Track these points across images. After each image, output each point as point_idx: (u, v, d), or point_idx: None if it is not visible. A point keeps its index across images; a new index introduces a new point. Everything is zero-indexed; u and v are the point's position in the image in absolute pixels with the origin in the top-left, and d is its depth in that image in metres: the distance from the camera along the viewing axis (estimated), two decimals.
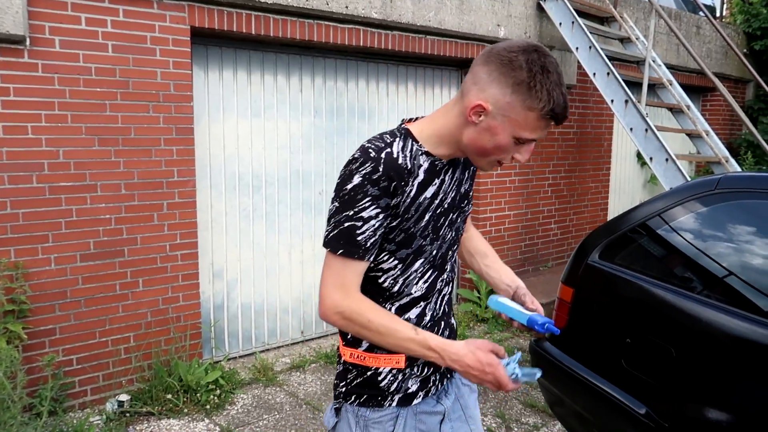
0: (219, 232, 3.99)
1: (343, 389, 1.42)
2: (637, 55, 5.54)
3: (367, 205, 1.26)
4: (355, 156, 1.28)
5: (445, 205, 1.39)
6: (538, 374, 1.29)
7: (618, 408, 2.08)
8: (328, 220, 1.31)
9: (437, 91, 5.08)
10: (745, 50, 7.93)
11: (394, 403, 1.39)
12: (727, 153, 5.09)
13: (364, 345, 1.39)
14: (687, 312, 1.94)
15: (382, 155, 1.27)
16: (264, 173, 4.15)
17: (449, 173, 1.39)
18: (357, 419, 1.39)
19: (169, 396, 3.41)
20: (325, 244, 1.30)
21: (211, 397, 3.49)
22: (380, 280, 1.36)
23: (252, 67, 4.03)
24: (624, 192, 6.81)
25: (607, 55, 4.81)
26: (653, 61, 5.42)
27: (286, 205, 4.28)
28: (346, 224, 1.26)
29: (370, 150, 1.27)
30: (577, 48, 4.94)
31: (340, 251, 1.27)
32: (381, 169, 1.25)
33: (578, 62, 5.24)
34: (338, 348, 1.47)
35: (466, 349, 1.27)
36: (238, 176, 4.03)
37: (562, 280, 2.42)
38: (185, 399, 3.44)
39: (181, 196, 3.65)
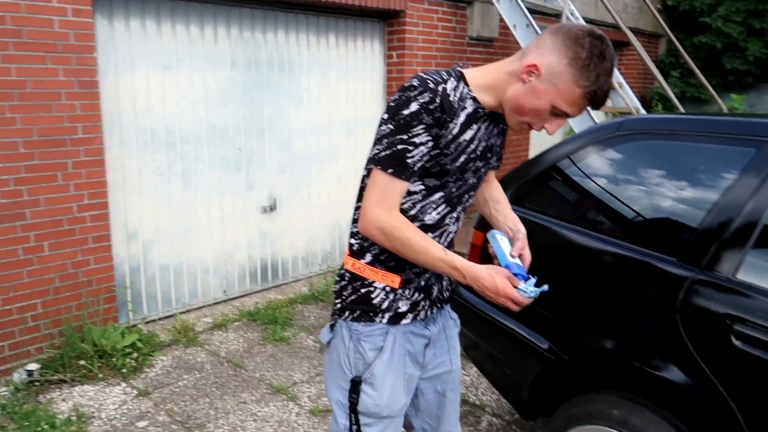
0: (132, 192, 3.80)
1: (339, 306, 1.52)
2: (556, 8, 5.61)
3: (420, 131, 1.35)
4: (414, 84, 1.35)
5: (478, 152, 1.48)
6: (546, 288, 1.42)
7: (524, 345, 2.16)
8: (380, 140, 1.38)
9: (359, 44, 4.98)
10: (658, 6, 8.20)
11: (385, 320, 1.49)
12: (638, 104, 5.29)
13: (368, 257, 1.49)
14: (588, 250, 2.01)
15: (440, 88, 1.35)
16: (179, 129, 3.97)
17: (486, 123, 1.47)
18: (350, 333, 1.49)
19: (83, 362, 3.28)
20: (376, 162, 1.38)
21: (128, 360, 3.39)
22: (402, 201, 1.44)
23: (161, 16, 3.80)
24: (545, 144, 6.96)
25: (527, 7, 4.84)
26: (571, 14, 5.51)
27: (203, 162, 4.12)
28: (400, 146, 1.35)
29: (429, 81, 1.35)
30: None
31: (390, 170, 1.36)
32: (438, 101, 1.34)
33: (500, 15, 5.25)
34: (339, 268, 1.57)
35: (485, 272, 1.39)
36: (150, 132, 3.84)
37: (474, 226, 2.45)
38: (100, 364, 3.33)
39: (87, 153, 3.44)
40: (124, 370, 3.34)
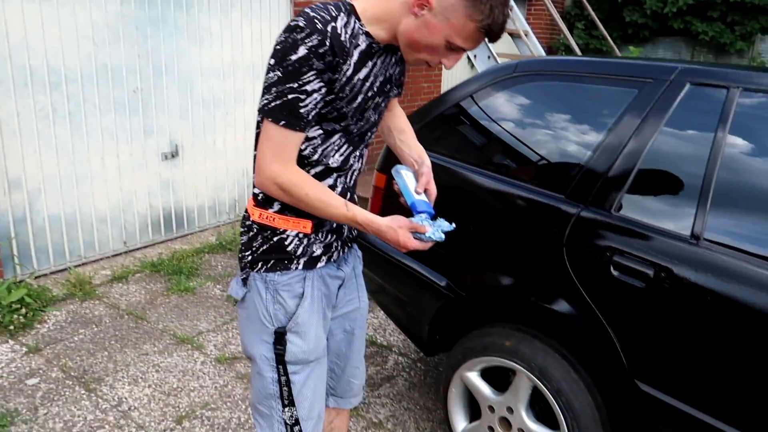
0: (11, 136, 3.48)
1: (249, 258, 1.45)
2: None
3: (311, 78, 1.26)
4: (300, 24, 1.24)
5: (375, 89, 1.42)
6: (446, 225, 1.43)
7: (424, 284, 2.21)
8: (268, 88, 1.29)
9: None
10: None
11: (300, 266, 1.45)
12: (544, 53, 5.42)
13: (276, 206, 1.42)
14: (483, 189, 2.05)
15: (329, 28, 1.26)
16: (63, 68, 3.64)
17: (381, 57, 1.41)
18: (266, 285, 1.44)
19: None
20: (267, 114, 1.30)
21: (16, 317, 3.17)
22: (301, 147, 1.38)
23: None
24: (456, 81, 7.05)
25: None
26: None
27: (94, 105, 3.83)
28: (290, 96, 1.27)
29: (317, 21, 1.25)
30: None
31: (283, 122, 1.29)
32: (328, 44, 1.25)
33: None
34: (243, 218, 1.48)
35: (386, 227, 1.38)
36: (29, 71, 3.49)
37: (376, 168, 2.44)
38: None
39: None
40: (11, 327, 3.13)
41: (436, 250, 1.84)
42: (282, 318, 1.45)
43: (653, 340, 1.64)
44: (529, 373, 1.89)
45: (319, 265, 1.49)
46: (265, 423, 1.55)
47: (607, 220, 1.75)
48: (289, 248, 1.44)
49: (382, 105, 1.50)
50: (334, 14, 1.29)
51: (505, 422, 2.02)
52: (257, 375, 1.51)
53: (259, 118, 1.36)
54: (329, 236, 1.51)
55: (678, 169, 1.71)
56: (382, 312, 3.43)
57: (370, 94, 1.41)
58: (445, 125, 2.29)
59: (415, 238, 1.41)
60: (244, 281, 1.48)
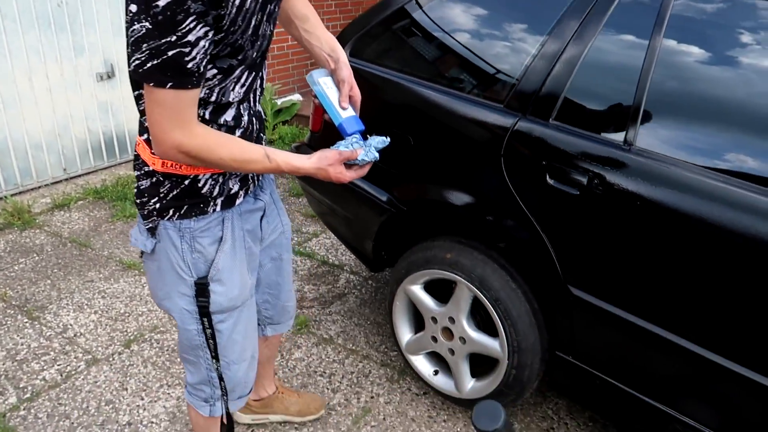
0: None
1: (157, 205, 1.29)
2: None
3: (192, 25, 1.01)
4: None
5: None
6: (378, 140, 1.36)
7: (367, 201, 2.18)
8: (136, 44, 1.02)
9: None
10: None
11: (218, 207, 1.32)
12: None
13: None
14: (426, 100, 1.99)
15: None
16: None
17: None
18: (181, 233, 1.30)
19: None
20: (146, 77, 1.05)
21: None
22: None
23: None
24: None
25: None
26: None
27: (13, 20, 3.54)
28: (170, 53, 1.02)
29: None
30: None
31: (170, 84, 1.05)
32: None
33: None
34: (138, 162, 1.30)
35: (315, 169, 1.27)
36: None
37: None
38: None
39: None
40: None
41: (376, 165, 1.80)
42: (202, 267, 1.34)
43: (585, 246, 1.67)
44: (469, 284, 1.92)
45: (238, 201, 1.37)
46: (195, 370, 1.50)
47: (544, 129, 1.73)
48: (203, 190, 1.30)
49: (275, 10, 1.27)
50: None
51: (448, 332, 2.07)
52: (180, 327, 1.43)
53: (134, 82, 1.16)
54: None
55: (614, 75, 1.67)
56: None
57: (263, 8, 1.19)
58: (384, 33, 2.19)
59: (348, 165, 1.33)
60: (152, 231, 1.32)
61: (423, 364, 2.23)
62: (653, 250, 1.55)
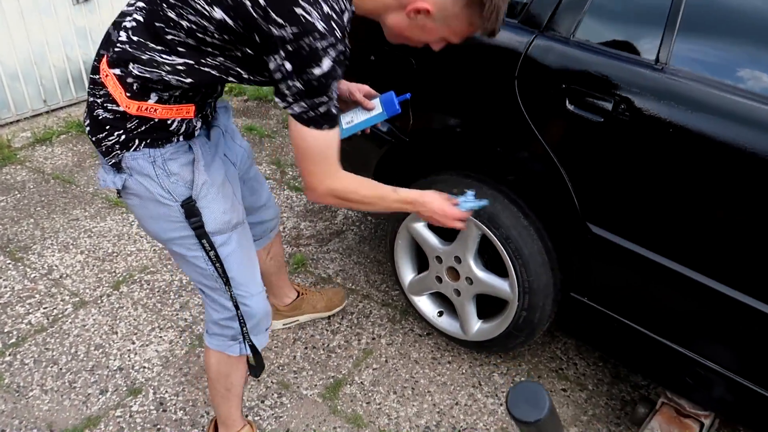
0: None
1: (122, 137, 1.24)
2: None
3: (335, 86, 1.14)
4: (319, 29, 1.06)
5: None
6: (485, 203, 1.53)
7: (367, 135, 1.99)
8: (286, 95, 1.13)
9: None
10: None
11: (181, 138, 1.31)
12: None
13: (154, 98, 1.21)
14: None
15: (345, 24, 1.13)
16: None
17: None
18: (153, 159, 1.26)
19: None
20: (305, 122, 1.16)
21: None
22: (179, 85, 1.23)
23: None
24: None
25: None
26: None
27: None
28: (322, 109, 1.15)
29: (336, 27, 1.08)
30: None
31: (326, 126, 1.17)
32: (347, 51, 1.12)
33: None
34: (101, 93, 1.24)
35: (438, 208, 1.45)
36: None
37: None
38: None
39: None
40: None
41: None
42: (183, 190, 1.30)
43: (608, 180, 1.51)
44: (477, 221, 1.77)
45: (197, 132, 1.35)
46: (217, 306, 1.48)
47: (564, 48, 1.53)
48: (172, 128, 1.28)
49: None
50: (343, 6, 1.13)
51: (453, 272, 1.94)
52: (183, 261, 1.40)
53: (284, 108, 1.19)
54: (207, 107, 1.38)
55: None
56: None
57: None
58: None
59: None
60: (118, 167, 1.28)
61: (426, 306, 2.12)
62: (686, 184, 1.39)
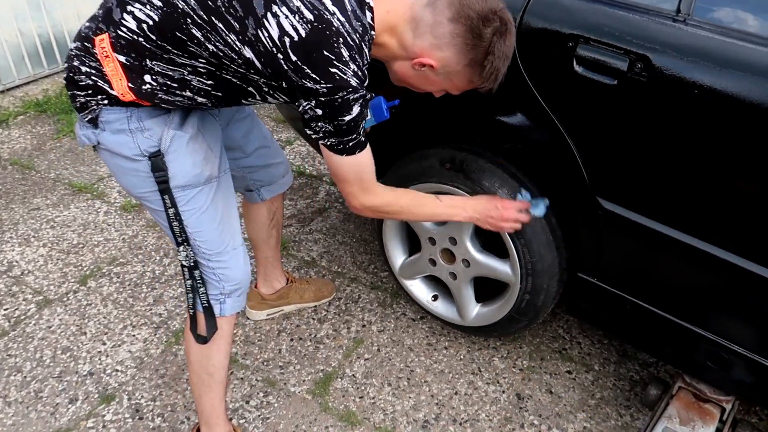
0: None
1: (102, 100, 1.19)
2: None
3: (363, 122, 1.21)
4: (353, 86, 1.11)
5: None
6: (547, 201, 1.50)
7: None
8: (320, 132, 1.18)
9: None
10: None
11: None
12: None
13: (159, 97, 1.20)
14: None
15: (366, 82, 1.17)
16: None
17: None
18: (128, 114, 1.21)
19: None
20: (336, 152, 1.22)
21: None
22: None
23: None
24: None
25: None
26: None
27: None
28: (351, 144, 1.21)
29: (364, 80, 1.15)
30: None
31: (359, 150, 1.23)
32: (367, 93, 1.18)
33: None
34: (86, 69, 1.18)
35: (490, 204, 1.47)
36: None
37: None
38: None
39: None
40: None
41: None
42: (153, 143, 1.25)
43: (622, 150, 1.34)
44: None
45: None
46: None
47: (569, 0, 1.34)
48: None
49: None
50: (365, 56, 1.16)
51: (448, 254, 1.79)
52: (156, 216, 1.37)
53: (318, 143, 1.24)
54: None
55: None
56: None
57: None
58: None
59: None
60: (92, 122, 1.23)
61: (420, 290, 1.97)
62: (712, 154, 1.23)
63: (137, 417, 1.75)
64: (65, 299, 2.15)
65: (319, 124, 1.15)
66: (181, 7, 1.09)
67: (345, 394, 1.83)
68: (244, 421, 1.75)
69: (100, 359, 1.93)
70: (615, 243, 1.46)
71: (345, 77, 1.09)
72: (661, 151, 1.28)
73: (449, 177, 1.64)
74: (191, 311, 1.41)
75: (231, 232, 1.40)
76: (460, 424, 1.75)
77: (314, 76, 1.07)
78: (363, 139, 1.22)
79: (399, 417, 1.77)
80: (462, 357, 1.95)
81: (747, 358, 1.36)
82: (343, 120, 1.14)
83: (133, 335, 2.01)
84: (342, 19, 1.08)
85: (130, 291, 2.19)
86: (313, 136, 1.20)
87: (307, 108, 1.13)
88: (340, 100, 1.10)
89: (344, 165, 1.24)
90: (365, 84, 1.15)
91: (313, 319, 2.09)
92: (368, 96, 1.18)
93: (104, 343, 1.98)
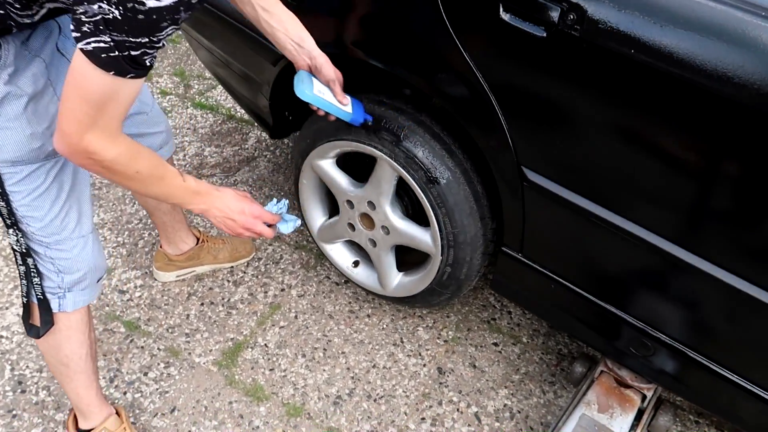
0: None
1: None
2: None
3: (170, 30, 0.83)
4: None
5: None
6: (299, 223, 1.35)
7: (262, 46, 1.57)
8: (94, 27, 0.79)
9: None
10: None
11: None
12: None
13: None
14: None
15: None
16: None
17: None
18: None
19: None
20: (94, 60, 0.82)
21: None
22: None
23: None
24: None
25: None
26: None
27: None
28: (135, 52, 0.82)
29: None
30: None
31: (130, 75, 0.86)
32: None
33: None
34: None
35: (237, 206, 1.18)
36: None
37: None
38: None
39: None
40: None
41: None
42: None
43: (550, 115, 1.17)
44: (392, 161, 1.43)
45: (13, 29, 0.98)
46: None
47: None
48: None
49: None
50: None
51: (368, 219, 1.62)
52: None
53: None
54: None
55: None
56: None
57: None
58: None
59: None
60: None
61: (341, 254, 1.81)
62: (651, 122, 1.07)
63: (19, 390, 1.59)
64: None
65: (94, 6, 0.77)
66: None
67: (254, 366, 1.69)
68: (140, 395, 1.61)
69: None
70: (540, 217, 1.31)
71: None
72: (592, 120, 1.11)
73: (367, 135, 1.45)
74: (24, 299, 1.19)
75: (77, 216, 1.17)
76: (375, 400, 1.64)
77: None
78: (149, 63, 0.86)
79: (310, 392, 1.64)
80: (385, 326, 1.82)
81: (671, 346, 1.25)
82: (143, 5, 0.76)
83: None
84: None
85: None
86: (75, 34, 0.81)
87: None
88: None
89: (97, 81, 0.84)
90: None
91: (228, 281, 1.93)
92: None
93: None
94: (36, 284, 1.17)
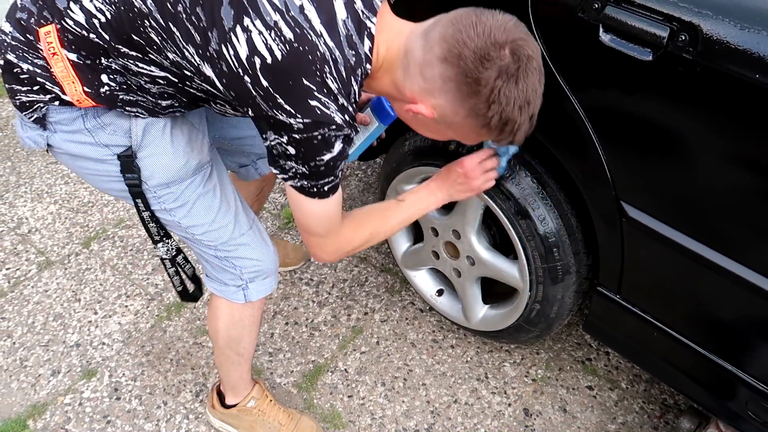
0: None
1: (48, 96, 1.00)
2: None
3: (344, 164, 1.01)
4: (338, 123, 0.90)
5: None
6: (514, 149, 1.27)
7: None
8: (292, 174, 0.98)
9: None
10: None
11: None
12: None
13: (121, 99, 1.01)
14: None
15: (356, 115, 0.97)
16: None
17: None
18: (83, 111, 1.02)
19: None
20: (305, 194, 1.02)
21: None
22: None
23: None
24: None
25: None
26: None
27: None
28: (327, 187, 1.01)
29: (348, 110, 0.92)
30: None
31: (330, 195, 1.03)
32: (353, 132, 0.96)
33: None
34: (30, 66, 0.99)
35: (450, 175, 1.24)
36: None
37: None
38: None
39: None
40: None
41: None
42: (120, 139, 1.06)
43: (655, 147, 1.05)
44: None
45: None
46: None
47: None
48: None
49: None
50: (355, 93, 0.93)
51: (453, 248, 1.55)
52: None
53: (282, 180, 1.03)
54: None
55: None
56: None
57: None
58: None
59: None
60: (39, 122, 1.03)
61: (424, 282, 1.76)
62: None
63: (115, 397, 1.67)
64: (66, 262, 2.08)
65: (290, 163, 0.95)
66: (138, 6, 0.89)
67: (333, 391, 1.67)
68: None
69: (89, 330, 1.85)
70: (642, 257, 1.18)
71: (328, 112, 0.89)
72: (705, 152, 0.98)
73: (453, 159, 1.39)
74: (179, 288, 1.33)
75: (233, 215, 1.22)
76: None
77: (288, 107, 0.87)
78: (338, 180, 1.02)
79: (387, 423, 1.59)
80: (469, 359, 1.74)
81: None
82: (321, 160, 0.94)
83: (126, 306, 1.92)
84: (331, 43, 0.87)
85: (130, 257, 2.10)
86: (280, 176, 0.99)
87: (275, 143, 0.93)
88: (319, 137, 0.90)
89: (314, 211, 1.05)
90: (352, 123, 0.94)
91: (313, 301, 1.93)
92: (353, 134, 0.96)
93: (96, 313, 1.91)
94: (187, 269, 1.31)
